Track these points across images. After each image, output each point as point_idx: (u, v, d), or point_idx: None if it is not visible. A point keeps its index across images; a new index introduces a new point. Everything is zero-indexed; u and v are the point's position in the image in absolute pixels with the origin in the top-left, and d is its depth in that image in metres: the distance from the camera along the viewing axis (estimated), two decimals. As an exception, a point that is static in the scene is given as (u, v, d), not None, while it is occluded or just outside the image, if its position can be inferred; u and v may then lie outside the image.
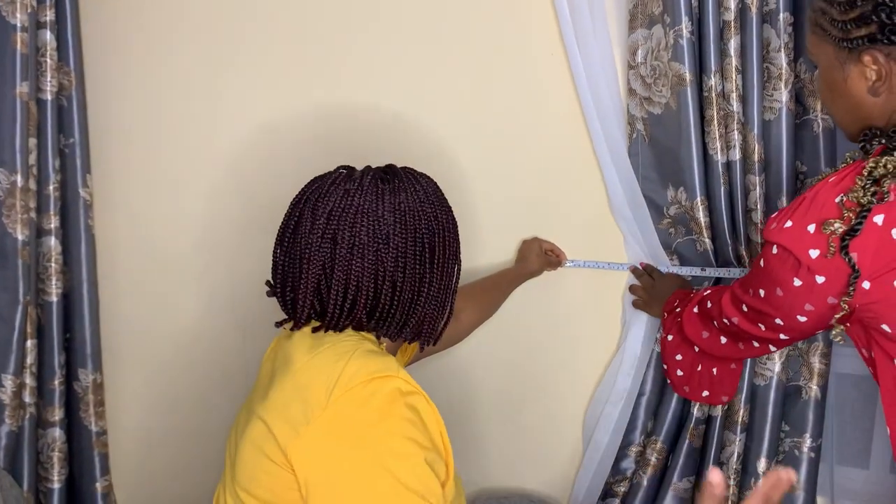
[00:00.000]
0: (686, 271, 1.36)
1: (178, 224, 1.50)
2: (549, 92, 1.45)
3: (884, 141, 0.87)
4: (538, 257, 1.46)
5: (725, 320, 1.08)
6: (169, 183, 1.49)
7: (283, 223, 0.97)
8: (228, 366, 1.54)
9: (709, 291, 1.15)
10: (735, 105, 1.24)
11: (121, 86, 1.47)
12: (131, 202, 1.50)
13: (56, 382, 1.40)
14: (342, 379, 0.83)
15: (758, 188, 1.26)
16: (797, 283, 0.90)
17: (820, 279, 0.88)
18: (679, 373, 1.25)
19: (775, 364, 1.29)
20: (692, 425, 1.37)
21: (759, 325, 1.02)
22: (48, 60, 1.33)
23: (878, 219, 0.82)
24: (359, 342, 0.92)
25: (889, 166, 0.82)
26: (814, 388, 1.29)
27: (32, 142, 1.33)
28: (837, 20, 0.88)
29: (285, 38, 1.48)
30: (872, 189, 0.82)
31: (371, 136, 1.49)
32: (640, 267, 1.43)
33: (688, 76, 1.25)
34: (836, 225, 0.84)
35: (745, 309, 1.03)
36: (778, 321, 0.97)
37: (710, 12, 1.23)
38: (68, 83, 1.38)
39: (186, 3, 1.47)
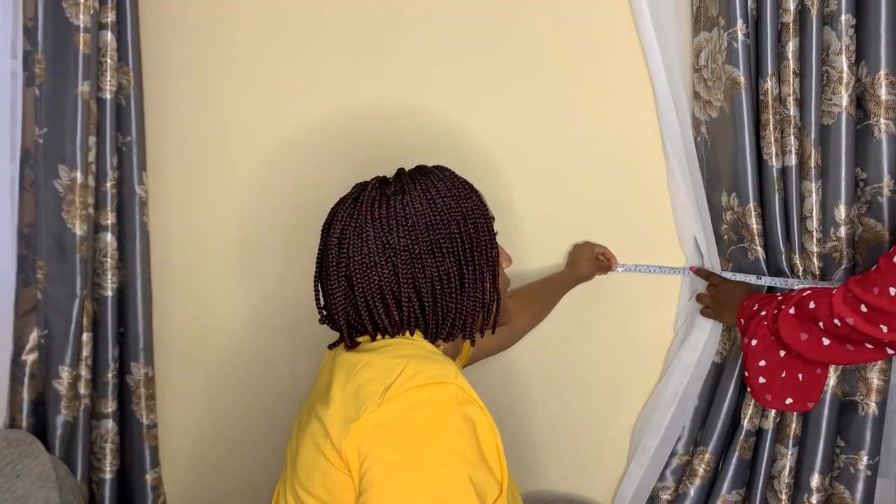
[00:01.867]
0: (741, 278, 1.32)
1: (229, 223, 1.53)
2: (605, 91, 1.44)
3: None
4: (589, 262, 1.44)
5: (837, 321, 1.05)
6: (221, 182, 1.52)
7: (318, 249, 0.99)
8: (276, 363, 1.56)
9: (808, 292, 1.12)
10: (792, 109, 1.21)
11: (177, 87, 1.51)
12: (185, 200, 1.53)
13: (110, 375, 1.43)
14: (399, 380, 0.83)
15: (814, 195, 1.22)
16: None
17: None
18: (761, 380, 1.21)
19: (830, 378, 1.25)
20: (742, 437, 1.34)
21: (882, 326, 1.00)
22: (108, 60, 1.37)
23: None
24: (418, 345, 0.92)
25: None
26: (871, 405, 1.25)
27: (92, 140, 1.37)
28: None
29: (339, 41, 1.50)
30: None
31: (419, 138, 1.49)
32: (690, 271, 1.41)
33: (742, 80, 1.22)
34: None
35: (864, 309, 1.01)
36: None
37: (767, 14, 1.20)
38: (127, 83, 1.41)
39: (242, 6, 1.50)
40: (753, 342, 1.21)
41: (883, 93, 1.16)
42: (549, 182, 1.48)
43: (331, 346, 1.02)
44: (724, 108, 1.27)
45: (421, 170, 0.99)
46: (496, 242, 0.98)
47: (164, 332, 1.54)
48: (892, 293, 0.95)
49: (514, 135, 1.48)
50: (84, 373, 1.39)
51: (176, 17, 1.49)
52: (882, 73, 1.15)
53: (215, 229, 1.53)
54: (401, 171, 1.00)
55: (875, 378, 1.24)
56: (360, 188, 0.99)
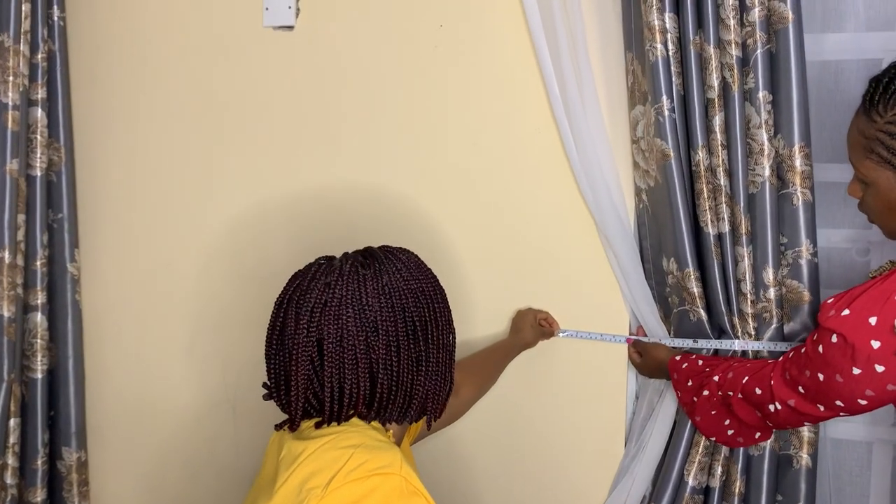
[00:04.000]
0: (679, 343, 1.37)
1: (166, 298, 1.49)
2: (542, 163, 1.47)
3: None
4: (532, 328, 1.46)
5: (778, 405, 1.09)
6: (158, 257, 1.49)
7: (269, 324, 0.96)
8: (218, 442, 1.52)
9: (747, 378, 1.15)
10: (722, 179, 1.28)
11: (111, 161, 1.48)
12: (119, 277, 1.49)
13: (39, 462, 1.37)
14: (343, 471, 0.82)
15: (746, 259, 1.28)
16: (856, 371, 0.95)
17: (880, 368, 0.93)
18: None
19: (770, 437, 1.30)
20: (688, 494, 1.37)
21: (819, 405, 1.04)
22: (38, 137, 1.34)
23: None
24: (364, 433, 0.91)
25: None
26: (804, 457, 1.29)
27: (21, 218, 1.32)
28: None
29: (278, 114, 1.51)
30: None
31: (361, 210, 1.50)
32: (629, 340, 1.44)
33: (670, 152, 1.28)
34: None
35: (801, 390, 1.05)
36: (839, 403, 1.01)
37: (694, 90, 1.27)
38: (58, 159, 1.38)
39: (178, 80, 1.50)
40: (698, 418, 1.24)
41: (798, 164, 1.23)
42: (490, 251, 1.51)
43: (277, 427, 0.98)
44: (658, 178, 1.33)
45: (389, 250, 1.00)
46: (454, 325, 1.00)
47: (99, 414, 1.48)
48: (821, 378, 0.99)
49: (451, 207, 1.51)
50: (11, 461, 1.32)
51: (110, 91, 1.48)
52: (797, 146, 1.23)
53: (152, 305, 1.49)
54: (371, 250, 1.00)
55: (806, 431, 1.29)
56: (329, 265, 0.97)
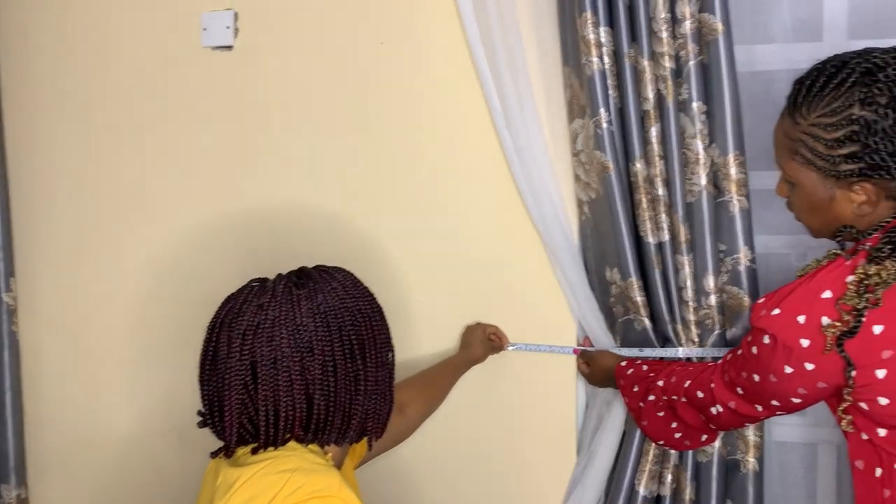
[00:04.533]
0: (625, 352, 1.38)
1: (107, 327, 1.46)
2: (486, 178, 1.48)
3: (868, 246, 0.93)
4: (482, 343, 1.45)
5: (720, 407, 1.10)
6: (97, 284, 1.46)
7: (202, 349, 0.94)
8: (165, 472, 1.48)
9: (689, 382, 1.16)
10: (660, 189, 1.30)
11: (47, 185, 1.45)
12: (58, 305, 1.45)
13: (-25, 503, 1.31)
14: (280, 495, 0.81)
15: (686, 267, 1.30)
16: (788, 370, 0.95)
17: (810, 366, 0.94)
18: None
19: (716, 441, 1.31)
20: (640, 504, 1.37)
21: (756, 405, 1.05)
22: (-30, 165, 1.30)
23: (877, 329, 0.89)
24: (302, 456, 0.89)
25: (882, 275, 0.89)
26: (751, 461, 1.31)
27: (-48, 249, 1.28)
28: (824, 154, 0.94)
29: (217, 134, 1.49)
30: (866, 296, 0.89)
31: (301, 230, 1.49)
32: (577, 351, 1.45)
33: (610, 164, 1.30)
34: (838, 325, 0.90)
35: (740, 392, 1.06)
36: (774, 402, 1.02)
37: (630, 103, 1.29)
38: (-9, 187, 1.35)
39: (116, 101, 1.47)
40: (645, 423, 1.25)
41: (733, 172, 1.26)
42: (438, 266, 1.51)
43: (213, 455, 0.96)
44: (599, 190, 1.35)
45: (324, 269, 0.99)
46: (392, 343, 0.99)
47: (40, 448, 1.43)
48: (756, 379, 1.01)
49: (398, 225, 1.50)
50: (-56, 503, 1.27)
51: (45, 115, 1.45)
52: (731, 154, 1.26)
53: (92, 334, 1.46)
54: (305, 270, 0.99)
55: (752, 435, 1.31)
56: (262, 287, 0.95)
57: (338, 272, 0.98)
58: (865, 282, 0.90)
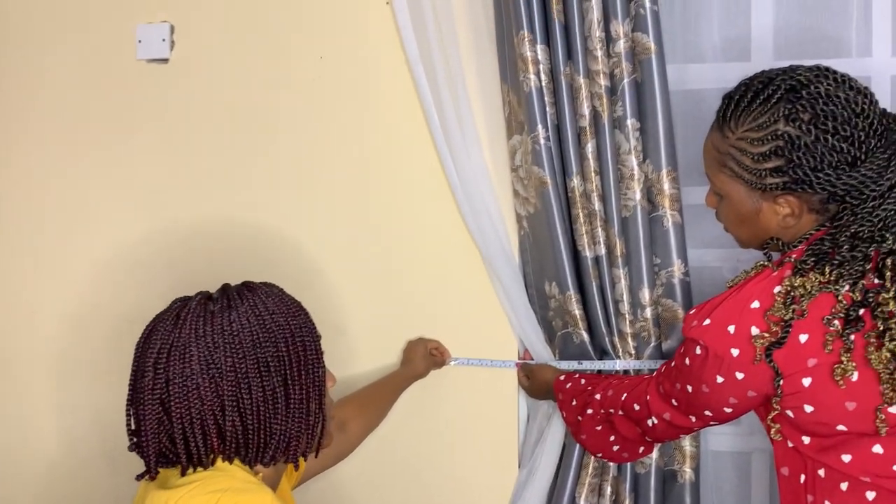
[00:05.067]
0: (564, 365, 1.39)
1: (34, 346, 1.40)
2: (425, 194, 1.48)
3: (793, 259, 0.95)
4: (424, 358, 1.45)
5: (655, 419, 1.11)
6: (20, 305, 1.40)
7: (132, 371, 0.93)
8: (94, 497, 1.42)
9: (626, 395, 1.18)
10: (596, 204, 1.32)
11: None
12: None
13: None
14: None
15: (622, 280, 1.32)
16: (720, 379, 0.97)
17: (740, 375, 0.95)
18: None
19: (654, 451, 1.33)
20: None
21: (690, 416, 1.07)
22: None
23: (803, 338, 0.91)
24: (232, 475, 0.87)
25: (807, 286, 0.92)
26: (688, 472, 1.33)
27: None
28: (751, 167, 0.97)
29: (152, 148, 1.46)
30: (792, 307, 0.91)
31: (237, 247, 1.47)
32: (518, 364, 1.46)
33: (547, 179, 1.32)
34: (767, 336, 0.92)
35: (674, 403, 1.08)
36: (707, 412, 1.04)
37: (567, 119, 1.31)
38: None
39: (48, 114, 1.43)
40: (584, 436, 1.26)
41: (667, 187, 1.29)
42: (379, 282, 1.50)
43: (139, 477, 0.93)
44: (537, 205, 1.36)
45: (248, 285, 0.97)
46: (323, 362, 0.97)
47: (-42, 477, 1.36)
48: (690, 390, 1.02)
49: (338, 241, 1.49)
50: None
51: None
52: (664, 170, 1.29)
53: (16, 358, 1.40)
54: (226, 287, 0.97)
55: (688, 445, 1.33)
56: (182, 304, 0.94)
57: (262, 288, 0.97)
58: (792, 293, 0.92)
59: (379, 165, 1.49)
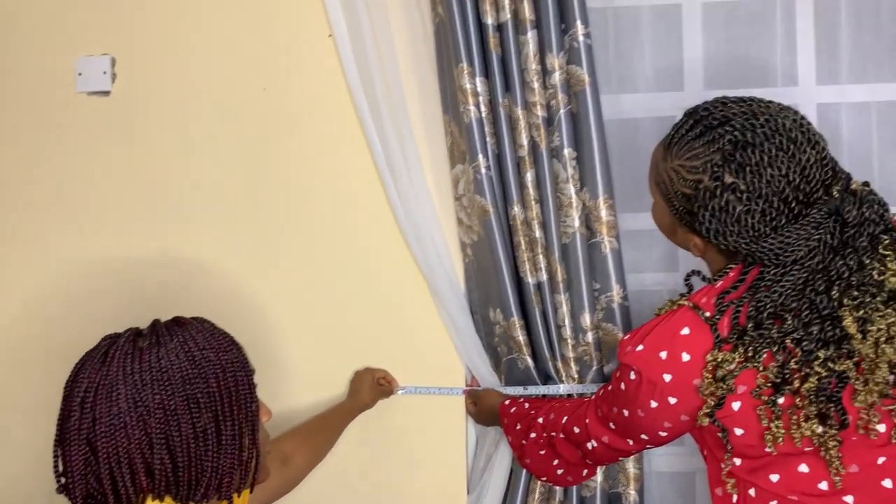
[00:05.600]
0: (510, 391, 1.40)
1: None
2: (371, 223, 1.49)
3: (708, 316, 0.96)
4: (371, 388, 1.45)
5: (594, 442, 1.13)
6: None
7: (60, 410, 0.91)
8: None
9: (566, 418, 1.19)
10: (537, 231, 1.34)
11: None
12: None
13: None
14: None
15: (564, 306, 1.35)
16: (654, 404, 0.98)
17: (672, 400, 0.97)
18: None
19: (598, 475, 1.34)
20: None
21: (628, 440, 1.08)
22: None
23: (735, 405, 0.94)
24: None
25: (728, 367, 0.92)
26: (632, 493, 1.35)
27: None
28: (672, 197, 0.99)
29: (92, 181, 1.45)
30: (721, 385, 0.93)
31: (179, 281, 1.46)
32: (465, 391, 1.47)
33: (489, 207, 1.34)
34: (707, 396, 0.94)
35: (612, 426, 1.09)
36: (643, 436, 1.05)
37: (506, 149, 1.34)
38: None
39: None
40: (528, 460, 1.27)
41: (604, 214, 1.32)
42: (323, 314, 1.50)
43: None
44: (480, 232, 1.38)
45: (178, 321, 0.96)
46: (256, 396, 0.96)
47: None
48: (626, 414, 1.04)
49: (281, 272, 1.49)
50: None
51: None
52: (601, 198, 1.32)
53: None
54: (156, 323, 0.96)
55: (631, 467, 1.36)
56: (110, 341, 0.93)
57: (193, 323, 0.96)
58: (718, 370, 0.93)
59: (323, 195, 1.49)
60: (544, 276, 1.35)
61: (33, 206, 1.46)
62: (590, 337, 1.35)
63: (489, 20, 1.33)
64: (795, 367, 0.91)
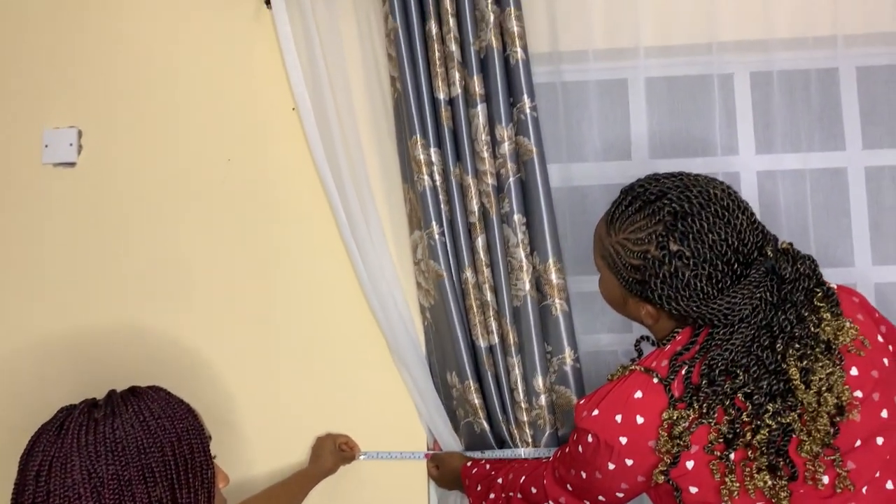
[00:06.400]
0: (469, 454, 1.41)
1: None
2: (334, 288, 1.52)
3: (661, 378, 0.99)
4: (332, 454, 1.45)
5: (552, 502, 1.14)
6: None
7: (14, 484, 0.91)
8: None
9: (524, 478, 1.20)
10: (488, 295, 1.38)
11: None
12: None
13: None
14: None
15: (516, 369, 1.37)
16: (611, 466, 1.01)
17: (629, 461, 0.99)
18: None
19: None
20: None
21: (585, 501, 1.10)
22: None
23: (689, 464, 0.97)
24: None
25: (684, 423, 0.96)
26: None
27: None
28: (621, 269, 1.03)
29: (56, 252, 1.47)
30: (677, 441, 0.96)
31: (139, 351, 1.48)
32: (427, 455, 1.47)
33: (443, 272, 1.38)
34: (663, 455, 0.97)
35: (569, 487, 1.10)
36: (601, 497, 1.07)
37: (458, 216, 1.40)
38: None
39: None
40: None
41: (553, 277, 1.36)
42: (284, 380, 1.51)
43: None
44: (436, 296, 1.41)
45: (134, 391, 0.98)
46: (212, 463, 0.97)
47: None
48: (584, 476, 1.06)
49: (243, 339, 1.51)
50: None
51: None
52: (551, 261, 1.36)
53: None
54: (111, 393, 0.98)
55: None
56: (66, 413, 0.94)
57: (148, 392, 0.97)
58: (674, 428, 0.96)
59: (286, 261, 1.52)
60: (496, 339, 1.38)
61: (31, 265, 1.48)
62: (543, 400, 1.37)
63: (441, 95, 1.40)
64: (747, 420, 0.95)
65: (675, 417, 0.96)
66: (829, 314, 0.99)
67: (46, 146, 1.51)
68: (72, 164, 1.53)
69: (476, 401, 1.39)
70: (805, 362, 0.96)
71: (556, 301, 1.37)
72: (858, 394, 0.98)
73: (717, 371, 0.96)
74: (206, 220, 1.53)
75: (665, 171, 1.07)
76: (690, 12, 1.50)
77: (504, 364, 1.38)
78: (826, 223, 1.49)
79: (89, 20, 1.55)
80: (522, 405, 1.37)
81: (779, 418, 0.94)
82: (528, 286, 1.37)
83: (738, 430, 0.95)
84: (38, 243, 1.50)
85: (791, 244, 1.03)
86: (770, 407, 0.95)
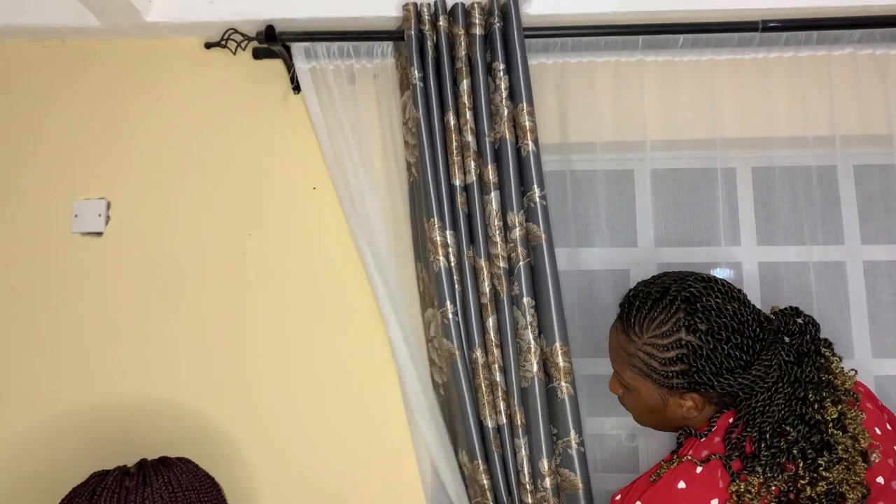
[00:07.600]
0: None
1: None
2: (350, 362, 1.55)
3: (715, 456, 1.02)
4: None
5: None
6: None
7: None
8: None
9: None
10: (497, 375, 1.41)
11: None
12: None
13: None
14: None
15: (523, 450, 1.39)
16: None
17: None
18: None
19: None
20: None
21: None
22: None
23: None
24: None
25: (752, 491, 0.99)
26: None
27: None
28: (658, 369, 1.07)
29: (78, 322, 1.51)
30: None
31: (163, 423, 1.50)
32: None
33: (455, 350, 1.41)
34: None
35: None
36: None
37: (470, 296, 1.44)
38: None
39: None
40: None
41: (560, 360, 1.40)
42: (302, 454, 1.52)
43: None
44: (448, 374, 1.44)
45: (164, 461, 1.01)
46: None
47: None
48: None
49: (264, 418, 1.53)
50: None
51: None
52: (557, 344, 1.40)
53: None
54: (143, 462, 1.01)
55: None
56: (99, 479, 0.97)
57: (178, 464, 1.01)
58: (741, 499, 0.99)
59: (305, 339, 1.56)
60: (504, 420, 1.40)
61: (25, 343, 1.51)
62: (548, 482, 1.38)
63: (457, 182, 1.47)
64: (801, 474, 0.99)
65: (742, 489, 0.99)
66: (836, 358, 1.07)
67: (76, 216, 1.58)
68: (99, 234, 1.59)
69: (484, 481, 1.40)
70: (840, 406, 1.02)
71: (563, 384, 1.39)
72: (880, 480, 1.02)
73: (768, 433, 1.01)
74: (226, 292, 1.57)
75: (650, 276, 1.14)
76: (695, 110, 1.58)
77: (511, 445, 1.40)
78: (826, 315, 1.52)
79: (121, 98, 1.64)
80: (528, 487, 1.38)
81: (833, 468, 0.99)
82: (535, 367, 1.40)
83: (797, 486, 0.99)
84: (64, 311, 1.54)
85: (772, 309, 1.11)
86: (822, 461, 0.99)
